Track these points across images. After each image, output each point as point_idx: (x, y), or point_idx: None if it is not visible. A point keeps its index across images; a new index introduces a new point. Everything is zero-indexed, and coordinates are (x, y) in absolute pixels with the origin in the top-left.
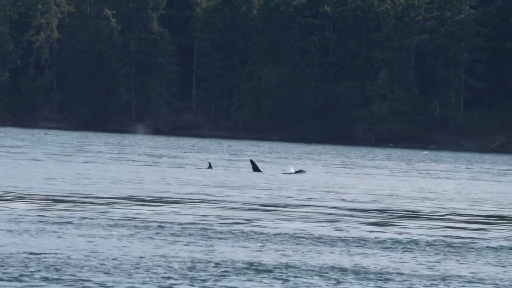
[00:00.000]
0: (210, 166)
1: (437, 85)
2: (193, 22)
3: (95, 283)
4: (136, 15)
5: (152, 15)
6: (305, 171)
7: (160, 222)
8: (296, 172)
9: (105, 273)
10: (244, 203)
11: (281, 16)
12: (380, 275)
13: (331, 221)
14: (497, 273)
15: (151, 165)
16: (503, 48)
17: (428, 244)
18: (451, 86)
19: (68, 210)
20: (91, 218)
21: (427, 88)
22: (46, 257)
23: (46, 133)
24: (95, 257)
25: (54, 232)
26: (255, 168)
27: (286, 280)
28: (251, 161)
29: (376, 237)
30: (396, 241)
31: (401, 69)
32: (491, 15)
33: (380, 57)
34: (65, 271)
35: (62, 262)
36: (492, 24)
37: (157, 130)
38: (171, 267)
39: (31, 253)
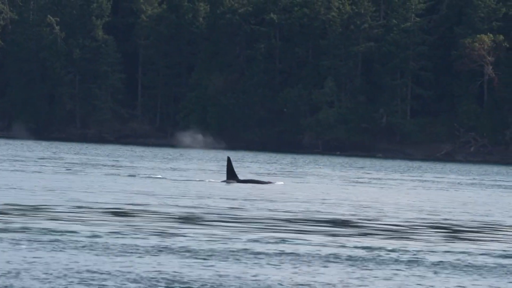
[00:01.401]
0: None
1: (383, 93)
2: (138, 30)
3: None
4: (80, 22)
5: (96, 22)
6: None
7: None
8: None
9: None
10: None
11: (227, 23)
12: None
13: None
14: None
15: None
16: (448, 56)
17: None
18: (398, 94)
19: None
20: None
21: (373, 96)
22: None
23: None
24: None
25: None
26: (230, 174)
27: None
28: (228, 159)
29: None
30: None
31: (348, 77)
32: (437, 23)
33: (326, 65)
34: None
35: None
36: (437, 32)
37: (102, 138)
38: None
39: None
